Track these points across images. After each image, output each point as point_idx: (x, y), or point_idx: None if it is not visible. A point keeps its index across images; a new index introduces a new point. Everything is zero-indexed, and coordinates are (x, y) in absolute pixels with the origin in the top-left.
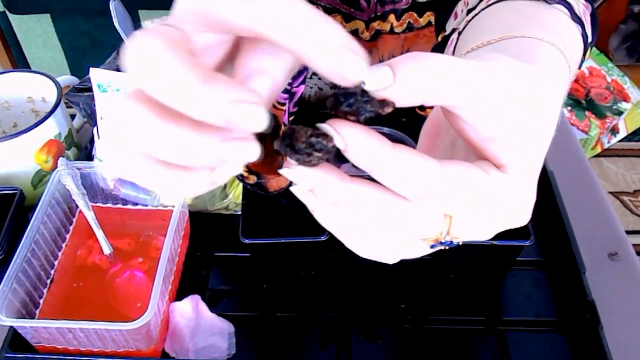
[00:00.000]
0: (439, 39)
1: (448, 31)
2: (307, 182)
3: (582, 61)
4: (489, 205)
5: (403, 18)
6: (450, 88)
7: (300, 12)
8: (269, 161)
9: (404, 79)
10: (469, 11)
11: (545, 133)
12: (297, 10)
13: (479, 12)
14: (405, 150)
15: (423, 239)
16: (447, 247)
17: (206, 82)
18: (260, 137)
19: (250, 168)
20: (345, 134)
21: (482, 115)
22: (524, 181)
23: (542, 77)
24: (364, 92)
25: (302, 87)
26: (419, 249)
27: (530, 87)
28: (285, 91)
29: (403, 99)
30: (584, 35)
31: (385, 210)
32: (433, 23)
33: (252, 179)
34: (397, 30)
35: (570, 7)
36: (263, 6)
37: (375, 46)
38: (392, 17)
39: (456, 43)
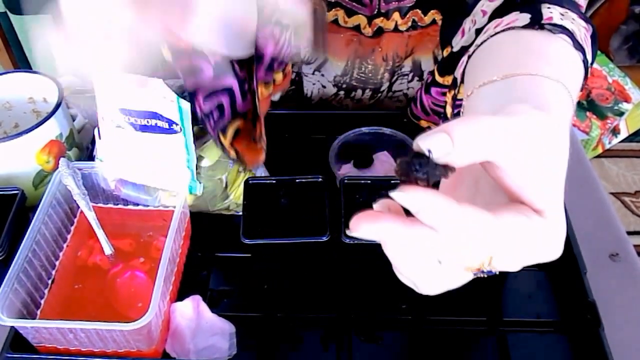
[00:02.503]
0: (445, 53)
1: (456, 48)
2: (418, 204)
3: (584, 84)
4: (529, 246)
5: (408, 16)
6: (494, 145)
7: None
8: (252, 146)
9: (461, 145)
10: (477, 31)
11: (564, 169)
12: None
13: (487, 39)
14: (469, 208)
15: (467, 268)
16: (486, 276)
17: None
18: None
19: (234, 146)
20: (420, 200)
21: (518, 165)
22: (557, 221)
23: (557, 124)
24: (430, 159)
25: (270, 48)
26: (463, 278)
27: (552, 137)
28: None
29: (460, 162)
30: (585, 61)
31: (445, 244)
32: (437, 21)
33: (233, 155)
34: (401, 28)
35: (572, 36)
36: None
37: (378, 44)
38: (396, 15)
39: (465, 66)
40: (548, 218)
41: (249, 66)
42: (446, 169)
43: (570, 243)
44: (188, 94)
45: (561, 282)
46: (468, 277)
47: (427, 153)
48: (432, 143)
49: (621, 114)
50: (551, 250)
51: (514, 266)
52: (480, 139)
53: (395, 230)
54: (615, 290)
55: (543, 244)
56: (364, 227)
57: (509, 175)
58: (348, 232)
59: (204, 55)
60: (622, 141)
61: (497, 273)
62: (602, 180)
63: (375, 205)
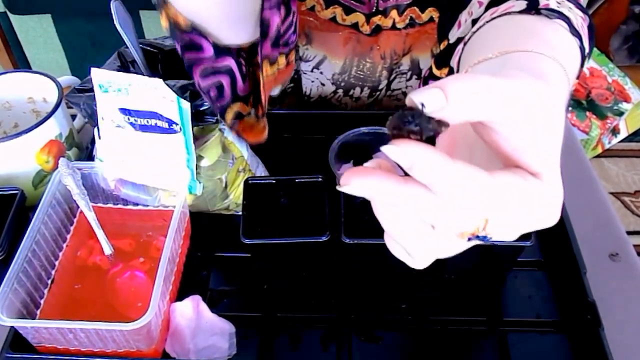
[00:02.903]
0: (442, 46)
1: (452, 40)
2: (410, 159)
3: (580, 71)
4: (526, 209)
5: (405, 13)
6: (491, 104)
7: None
8: (254, 125)
9: (455, 100)
10: (473, 21)
11: (560, 140)
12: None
13: (483, 25)
14: (462, 165)
15: (461, 233)
16: (482, 242)
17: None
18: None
19: (238, 130)
20: (413, 154)
21: (514, 127)
22: (554, 184)
23: (554, 92)
24: (423, 113)
25: (276, 18)
26: (456, 246)
27: (548, 101)
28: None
29: (455, 117)
30: (582, 48)
31: (439, 205)
32: (435, 19)
33: (234, 133)
34: (399, 25)
35: (569, 21)
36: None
37: (376, 42)
38: (394, 13)
39: (461, 53)
40: (545, 181)
41: (250, 48)
42: (440, 123)
43: (570, 243)
44: (185, 66)
45: (561, 282)
46: (462, 245)
47: (420, 107)
48: (425, 97)
49: (621, 113)
50: (548, 214)
51: (510, 232)
52: (474, 96)
53: (387, 186)
54: (615, 290)
55: (540, 207)
56: (355, 181)
57: (505, 137)
58: (338, 187)
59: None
60: (621, 141)
61: (491, 239)
62: (601, 180)
63: (366, 164)
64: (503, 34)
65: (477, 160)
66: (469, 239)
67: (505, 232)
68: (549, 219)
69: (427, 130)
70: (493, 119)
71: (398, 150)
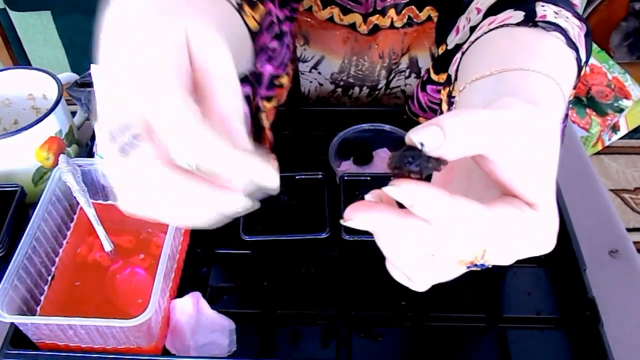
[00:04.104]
0: (440, 51)
1: (451, 46)
2: (412, 198)
3: (577, 82)
4: (522, 239)
5: (403, 12)
6: (488, 139)
7: None
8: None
9: (452, 137)
10: (471, 28)
11: (555, 167)
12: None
13: (481, 35)
14: (461, 200)
15: (460, 261)
16: (479, 269)
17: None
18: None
19: None
20: (413, 193)
21: (510, 160)
22: (550, 214)
23: (547, 117)
24: (422, 152)
25: (268, 66)
26: (455, 271)
27: (543, 129)
28: (252, 75)
29: (453, 154)
30: (578, 59)
31: (439, 237)
32: (433, 18)
33: None
34: (397, 24)
35: (565, 34)
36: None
37: (375, 41)
38: (392, 12)
39: (459, 63)
40: (541, 211)
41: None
42: (439, 161)
43: (569, 240)
44: None
45: (561, 278)
46: (461, 270)
47: (419, 146)
48: (424, 136)
49: (621, 110)
50: (544, 243)
51: (507, 260)
52: (471, 132)
53: (389, 220)
54: (615, 287)
55: (536, 237)
56: (358, 216)
57: (501, 168)
58: (342, 222)
59: None
60: (621, 138)
61: (490, 267)
62: (601, 177)
63: (367, 196)
64: (499, 48)
65: (475, 185)
66: (468, 267)
67: (503, 259)
68: (545, 247)
69: (427, 170)
70: (489, 152)
71: (399, 191)
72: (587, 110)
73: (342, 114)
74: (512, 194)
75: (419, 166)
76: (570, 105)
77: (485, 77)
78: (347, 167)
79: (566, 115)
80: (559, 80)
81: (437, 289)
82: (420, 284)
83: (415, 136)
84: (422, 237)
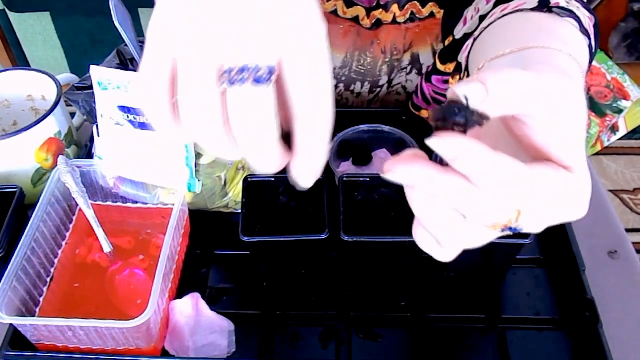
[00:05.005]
0: (446, 43)
1: (458, 36)
2: (456, 150)
3: (588, 70)
4: (558, 201)
5: (406, 8)
6: (528, 98)
7: None
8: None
9: (495, 92)
10: (481, 18)
11: (585, 134)
12: None
13: (494, 21)
14: (504, 157)
15: (493, 224)
16: (512, 233)
17: None
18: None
19: None
20: (458, 146)
21: (547, 121)
22: (584, 176)
23: (576, 86)
24: (468, 106)
25: None
26: (485, 237)
27: (575, 95)
28: None
29: (495, 110)
30: (590, 47)
31: (476, 196)
32: (436, 14)
33: None
34: (399, 20)
35: (579, 20)
36: None
37: (377, 36)
38: (395, 7)
39: (470, 49)
40: (576, 173)
41: None
42: (482, 116)
43: (569, 240)
44: None
45: (560, 279)
46: (492, 236)
47: (463, 100)
48: (469, 89)
49: (620, 111)
50: (579, 206)
51: (540, 224)
52: (513, 90)
53: (429, 174)
54: (614, 288)
55: (572, 199)
56: (400, 168)
57: (538, 130)
58: (382, 175)
59: None
60: (621, 139)
61: (522, 230)
62: (600, 178)
63: (407, 152)
64: (517, 30)
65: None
66: (502, 230)
67: (536, 223)
68: (579, 211)
69: (471, 123)
70: (529, 112)
71: (443, 143)
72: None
73: (341, 115)
74: (545, 159)
75: (465, 117)
76: None
77: (506, 55)
78: (346, 168)
79: None
80: (578, 60)
81: (437, 289)
82: (448, 249)
83: (460, 89)
84: (459, 194)
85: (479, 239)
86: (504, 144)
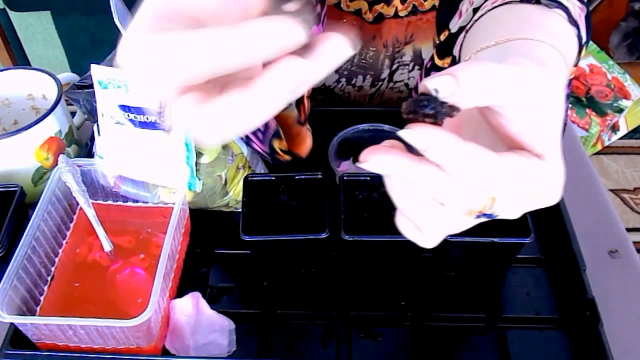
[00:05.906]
0: (442, 37)
1: (454, 30)
2: (426, 141)
3: (578, 60)
4: (530, 188)
5: (408, 1)
6: (499, 89)
7: None
8: (297, 136)
9: (465, 85)
10: (474, 10)
11: (561, 122)
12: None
13: (484, 13)
14: (473, 146)
15: (469, 211)
16: (488, 220)
17: None
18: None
19: (287, 149)
20: (428, 136)
21: (519, 111)
22: (557, 164)
23: (555, 77)
24: (437, 98)
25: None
26: (464, 223)
27: (550, 85)
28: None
29: (465, 102)
30: (579, 37)
31: (450, 183)
32: (437, 7)
33: (286, 158)
34: (401, 14)
35: (567, 11)
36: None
37: (379, 31)
38: (397, 1)
39: (462, 41)
40: (548, 161)
41: None
42: (452, 108)
43: (569, 239)
44: None
45: (560, 278)
46: (469, 222)
47: (433, 93)
48: (439, 83)
49: (621, 110)
50: (551, 193)
51: (515, 210)
52: (484, 82)
53: (403, 163)
54: (615, 287)
55: (544, 186)
56: (374, 158)
57: (511, 120)
58: (357, 164)
59: None
60: (621, 138)
61: (497, 216)
62: (601, 177)
63: (383, 143)
64: (503, 22)
65: (482, 143)
66: (477, 217)
67: (511, 210)
68: (551, 198)
69: (441, 114)
70: (500, 103)
71: (414, 134)
72: (587, 110)
73: (342, 114)
74: (519, 148)
75: (434, 109)
76: (570, 105)
77: (491, 47)
78: (346, 167)
79: (567, 95)
80: (562, 50)
81: (437, 288)
82: (429, 236)
83: (430, 83)
84: (433, 181)
85: (457, 225)
86: (484, 134)
